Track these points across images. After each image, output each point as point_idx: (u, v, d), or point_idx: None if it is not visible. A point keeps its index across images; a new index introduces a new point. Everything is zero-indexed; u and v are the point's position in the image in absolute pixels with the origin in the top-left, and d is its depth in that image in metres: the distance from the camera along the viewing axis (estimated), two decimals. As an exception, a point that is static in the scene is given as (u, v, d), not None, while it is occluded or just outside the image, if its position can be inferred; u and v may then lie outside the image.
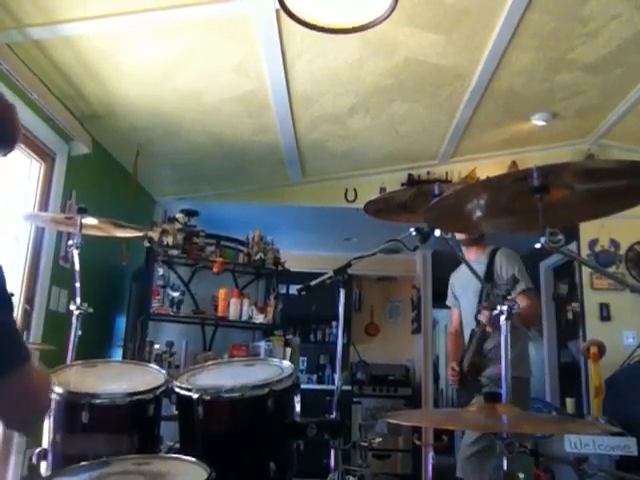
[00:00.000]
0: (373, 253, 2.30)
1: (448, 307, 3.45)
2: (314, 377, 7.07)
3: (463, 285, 3.11)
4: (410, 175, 4.93)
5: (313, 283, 2.25)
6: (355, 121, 4.00)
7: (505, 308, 1.63)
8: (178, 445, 1.80)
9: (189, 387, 1.73)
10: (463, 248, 3.13)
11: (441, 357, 10.29)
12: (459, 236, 3.08)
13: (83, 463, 1.45)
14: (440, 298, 6.96)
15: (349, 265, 2.23)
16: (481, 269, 2.94)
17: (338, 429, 1.88)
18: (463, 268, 3.11)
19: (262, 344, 4.17)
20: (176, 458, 1.52)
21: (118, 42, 2.92)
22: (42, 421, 1.22)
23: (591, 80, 3.62)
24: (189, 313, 4.22)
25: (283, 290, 4.70)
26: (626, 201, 1.46)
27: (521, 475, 1.42)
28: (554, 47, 3.24)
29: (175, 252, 4.16)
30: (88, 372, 1.97)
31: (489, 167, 4.74)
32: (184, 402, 1.74)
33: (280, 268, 4.59)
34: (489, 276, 2.91)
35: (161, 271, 4.18)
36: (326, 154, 4.57)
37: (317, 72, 3.33)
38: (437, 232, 1.87)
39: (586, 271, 4.63)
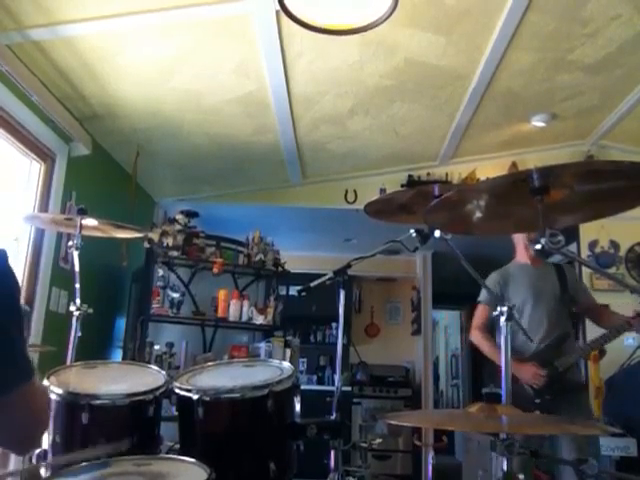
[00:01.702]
0: (373, 254, 2.30)
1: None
2: (314, 378, 7.07)
3: (531, 286, 3.05)
4: (410, 176, 4.93)
5: (313, 284, 2.25)
6: (355, 122, 4.00)
7: (505, 309, 1.63)
8: (178, 446, 1.80)
9: (189, 388, 1.73)
10: (530, 254, 3.12)
11: (441, 358, 10.30)
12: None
13: (83, 463, 1.45)
14: (440, 299, 7.02)
15: (349, 266, 2.23)
16: (550, 278, 3.04)
17: (338, 430, 1.88)
18: (522, 270, 3.11)
19: (262, 345, 4.17)
20: (176, 458, 1.52)
21: (118, 42, 2.92)
22: (41, 439, 1.20)
23: (591, 81, 3.63)
24: (189, 314, 4.22)
25: (283, 291, 4.69)
26: (626, 202, 1.46)
27: (521, 476, 1.42)
28: (554, 48, 3.24)
29: (175, 253, 4.16)
30: (88, 373, 1.97)
31: (489, 168, 4.75)
32: (184, 403, 1.74)
33: (280, 269, 4.59)
34: (564, 286, 3.02)
35: (161, 272, 4.18)
36: (326, 155, 4.58)
37: (317, 73, 3.34)
38: (437, 233, 1.87)
39: (586, 272, 4.62)
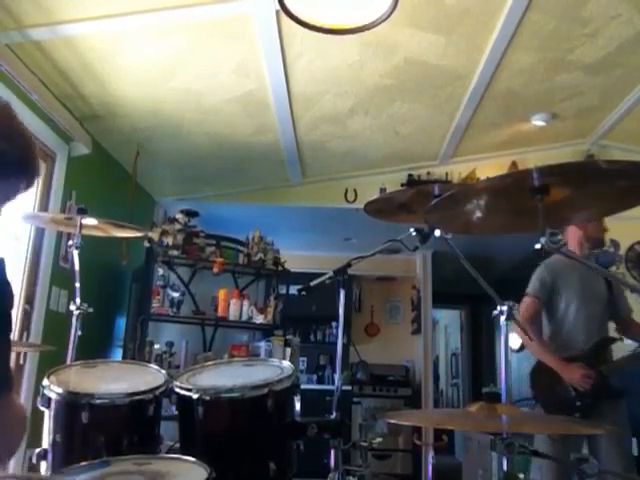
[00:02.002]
0: (373, 253, 2.30)
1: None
2: (314, 377, 7.07)
3: (581, 285, 2.94)
4: (410, 175, 4.93)
5: (313, 283, 2.25)
6: (355, 121, 4.00)
7: (505, 308, 1.63)
8: (178, 445, 1.80)
9: (189, 387, 1.73)
10: (583, 252, 3.04)
11: (441, 357, 10.31)
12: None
13: (83, 463, 1.45)
14: (440, 298, 7.03)
15: (349, 265, 2.23)
16: (599, 280, 2.96)
17: (338, 429, 1.88)
18: (573, 267, 2.97)
19: (262, 344, 4.17)
20: (176, 458, 1.52)
21: (118, 42, 2.92)
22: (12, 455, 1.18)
23: (591, 81, 3.63)
24: (189, 313, 4.23)
25: (283, 290, 4.69)
26: (626, 201, 1.46)
27: (521, 475, 1.42)
28: (554, 48, 3.24)
29: (175, 252, 4.16)
30: (88, 372, 1.97)
31: (489, 168, 4.74)
32: (184, 402, 1.74)
33: (280, 268, 4.60)
34: (611, 291, 2.95)
35: (161, 271, 4.18)
36: (326, 154, 4.58)
37: (317, 72, 3.34)
38: (437, 232, 1.87)
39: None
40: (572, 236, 3.08)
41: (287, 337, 4.45)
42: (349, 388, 6.47)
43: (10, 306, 1.01)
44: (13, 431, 1.06)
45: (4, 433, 1.04)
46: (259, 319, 4.29)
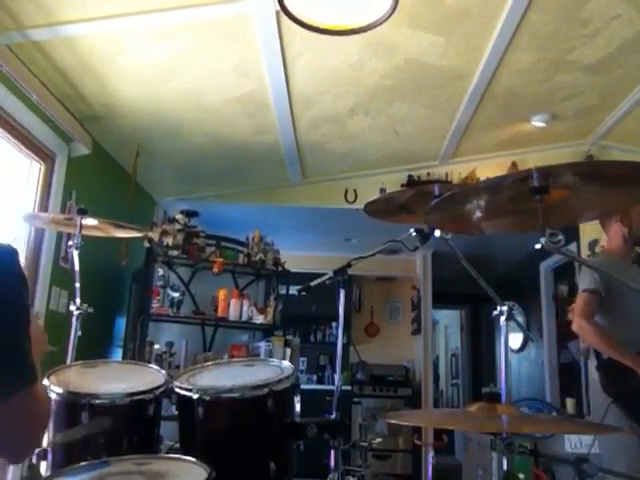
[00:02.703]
0: (373, 254, 2.30)
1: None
2: (314, 377, 7.08)
3: (636, 285, 2.83)
4: (410, 176, 4.93)
5: (313, 284, 2.25)
6: (355, 122, 4.00)
7: (505, 309, 1.63)
8: (178, 445, 1.80)
9: (189, 387, 1.73)
10: (627, 249, 3.01)
11: (441, 357, 10.31)
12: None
13: (83, 463, 1.45)
14: (440, 299, 7.04)
15: (349, 266, 2.23)
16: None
17: (338, 429, 1.88)
18: (620, 265, 2.93)
19: (262, 344, 4.18)
20: (176, 458, 1.52)
21: (118, 43, 2.92)
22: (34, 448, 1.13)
23: (591, 81, 3.63)
24: (189, 313, 4.23)
25: (283, 291, 4.70)
26: (626, 202, 1.46)
27: (521, 475, 1.42)
28: (554, 48, 3.24)
29: (175, 253, 4.16)
30: (88, 372, 1.97)
31: (489, 168, 4.74)
32: (184, 402, 1.74)
33: (280, 269, 4.60)
34: None
35: (161, 271, 4.18)
36: (326, 155, 4.58)
37: (317, 72, 3.34)
38: (437, 233, 1.87)
39: (586, 272, 4.61)
40: (616, 233, 3.04)
41: (287, 337, 4.46)
42: (349, 388, 6.49)
43: (27, 298, 0.99)
44: (38, 422, 1.05)
45: (31, 424, 1.01)
46: (259, 319, 4.29)
